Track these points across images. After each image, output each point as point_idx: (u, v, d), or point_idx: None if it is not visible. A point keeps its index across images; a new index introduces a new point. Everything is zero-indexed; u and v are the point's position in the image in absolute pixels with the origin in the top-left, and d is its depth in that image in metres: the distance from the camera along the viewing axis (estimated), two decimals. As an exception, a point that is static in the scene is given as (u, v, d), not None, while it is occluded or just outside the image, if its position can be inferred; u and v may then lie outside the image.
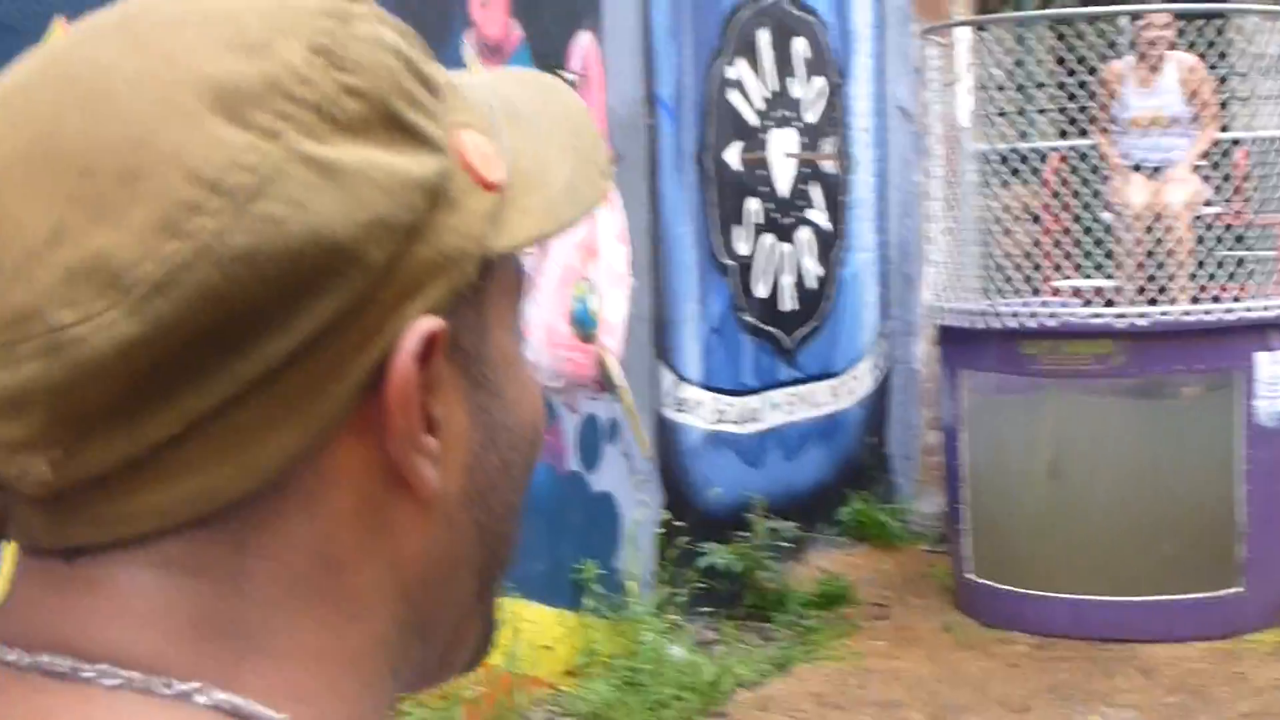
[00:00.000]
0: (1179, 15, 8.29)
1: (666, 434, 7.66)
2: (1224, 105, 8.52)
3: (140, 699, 0.67)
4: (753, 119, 8.37)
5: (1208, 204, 8.21)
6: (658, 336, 7.55)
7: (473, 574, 0.78)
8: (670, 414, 7.68)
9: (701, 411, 7.93)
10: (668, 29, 7.64)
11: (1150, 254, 7.80)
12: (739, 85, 8.24)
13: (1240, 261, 7.87)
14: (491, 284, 0.75)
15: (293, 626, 0.71)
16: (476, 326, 0.75)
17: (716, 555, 7.65)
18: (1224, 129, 8.44)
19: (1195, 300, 7.62)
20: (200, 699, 0.68)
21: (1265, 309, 7.60)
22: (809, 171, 8.91)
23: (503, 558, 0.80)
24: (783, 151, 8.64)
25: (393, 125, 0.70)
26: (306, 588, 0.71)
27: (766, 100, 8.49)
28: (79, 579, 0.70)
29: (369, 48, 0.71)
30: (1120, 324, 7.48)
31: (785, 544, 8.12)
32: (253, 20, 0.69)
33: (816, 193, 8.99)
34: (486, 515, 0.77)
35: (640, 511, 7.30)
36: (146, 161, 0.65)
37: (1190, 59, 8.04)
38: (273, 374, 0.67)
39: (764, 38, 8.52)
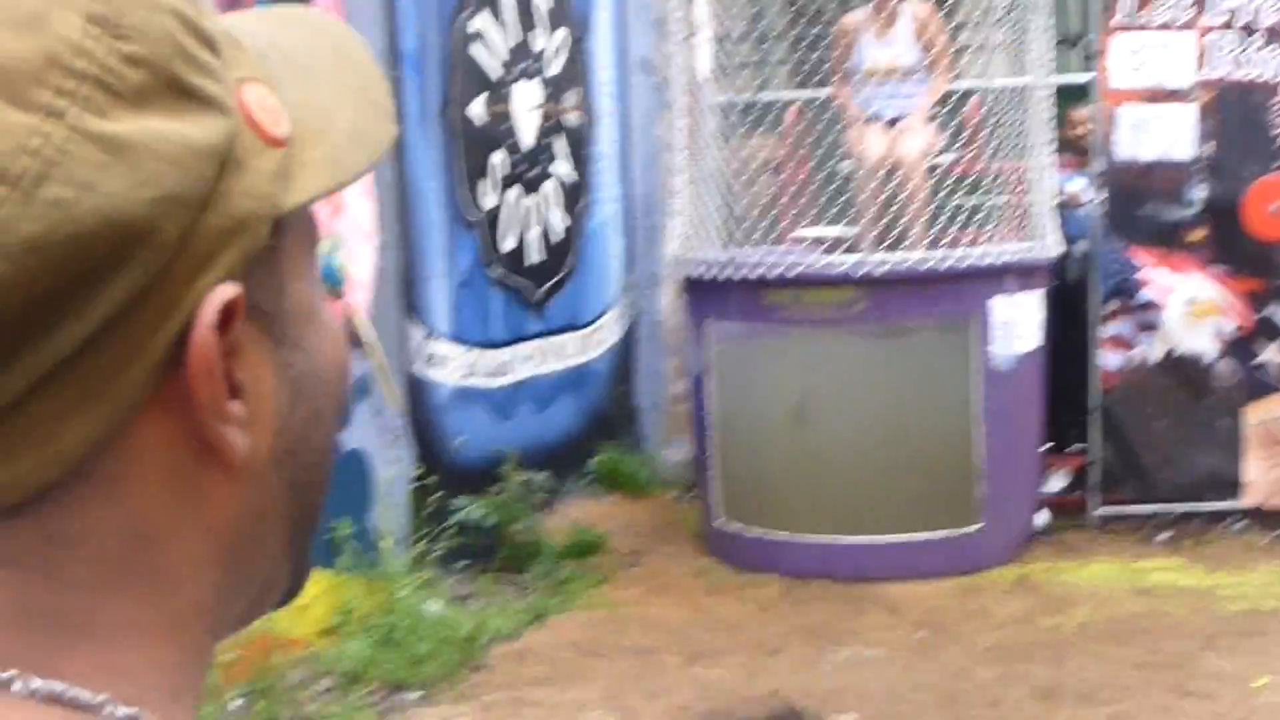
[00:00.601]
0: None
1: (417, 390, 7.63)
2: (957, 55, 8.73)
3: None
4: (496, 72, 8.35)
5: (942, 153, 8.41)
6: (406, 292, 7.51)
7: (282, 524, 0.77)
8: (420, 370, 7.65)
9: (451, 366, 7.91)
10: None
11: (888, 203, 7.98)
12: (482, 38, 8.21)
13: (975, 209, 8.09)
14: (286, 240, 0.74)
15: (111, 607, 0.71)
16: (273, 285, 0.73)
17: (470, 509, 7.65)
18: (956, 79, 8.65)
19: (932, 247, 7.81)
20: (16, 686, 0.68)
21: (999, 255, 7.83)
22: (553, 125, 8.92)
23: (315, 502, 0.80)
24: (525, 104, 8.64)
25: (176, 91, 0.68)
26: (121, 568, 0.71)
27: (509, 53, 8.47)
28: None
29: (146, 11, 0.67)
30: (859, 272, 7.65)
31: (538, 496, 8.16)
32: None
33: (560, 146, 9.01)
34: (298, 468, 0.76)
35: (393, 468, 7.27)
36: None
37: (924, 10, 8.23)
38: (68, 362, 0.66)
39: (505, -10, 8.49)
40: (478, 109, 8.14)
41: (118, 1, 0.67)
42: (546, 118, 8.84)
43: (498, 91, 8.36)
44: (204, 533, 0.73)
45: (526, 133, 8.63)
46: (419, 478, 7.42)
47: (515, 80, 8.53)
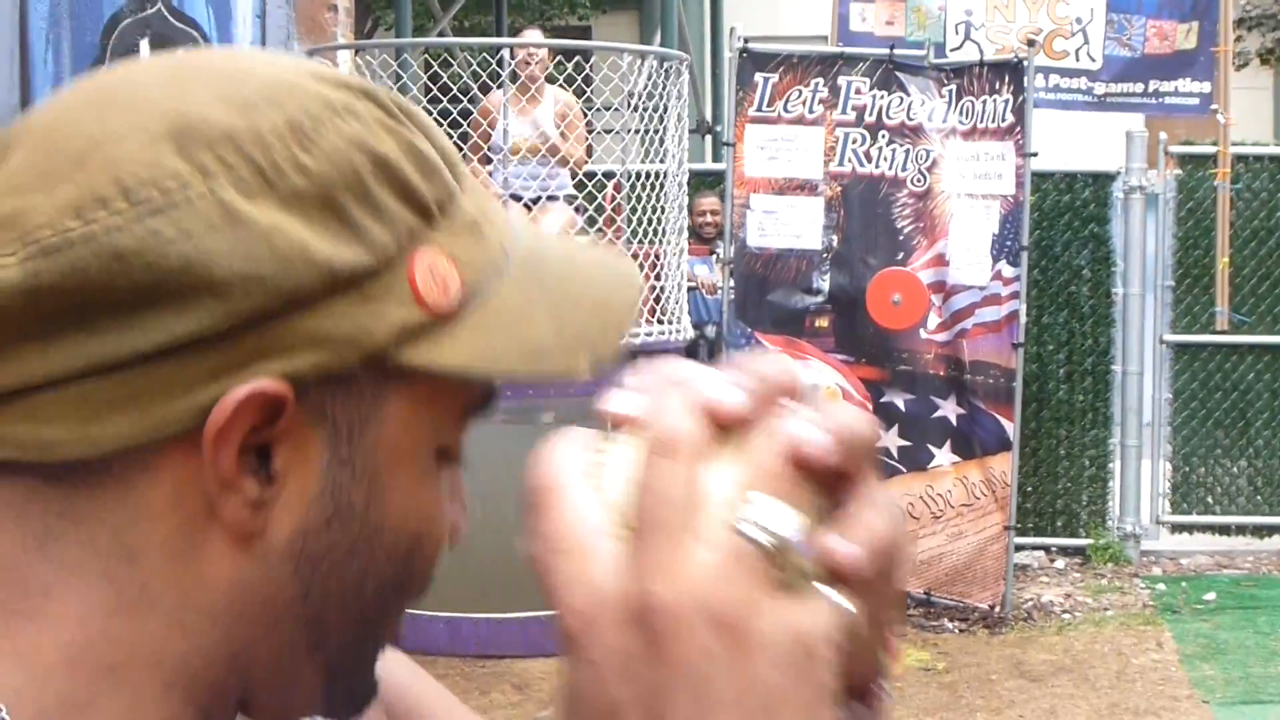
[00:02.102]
0: (555, 50, 8.61)
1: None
2: (589, 137, 8.87)
3: None
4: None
5: (581, 233, 8.52)
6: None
7: (299, 628, 0.81)
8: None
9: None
10: (45, 35, 7.34)
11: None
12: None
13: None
14: (398, 386, 0.79)
15: (72, 599, 0.76)
16: (359, 411, 0.79)
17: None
18: (591, 163, 8.78)
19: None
20: None
21: (632, 335, 7.96)
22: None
23: (343, 633, 0.83)
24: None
25: (330, 210, 0.76)
26: (99, 566, 0.76)
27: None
28: None
29: (344, 142, 0.77)
30: (498, 348, 7.67)
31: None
32: (255, 85, 0.78)
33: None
34: (318, 585, 0.80)
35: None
36: (95, 156, 0.74)
37: (566, 96, 8.34)
38: (123, 363, 0.73)
39: (144, 48, 8.30)
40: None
41: (325, 123, 0.77)
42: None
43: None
44: (190, 581, 0.77)
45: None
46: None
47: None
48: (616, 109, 8.37)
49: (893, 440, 8.86)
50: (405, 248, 0.79)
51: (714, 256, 9.25)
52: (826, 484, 0.66)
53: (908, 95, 8.87)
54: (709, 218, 9.32)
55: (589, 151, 8.55)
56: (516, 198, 8.21)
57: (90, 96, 0.78)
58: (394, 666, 1.00)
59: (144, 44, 8.31)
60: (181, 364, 0.74)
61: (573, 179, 8.63)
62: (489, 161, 8.54)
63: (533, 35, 8.74)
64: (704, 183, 9.70)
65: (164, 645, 0.77)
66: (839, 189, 8.87)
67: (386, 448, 0.81)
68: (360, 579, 0.82)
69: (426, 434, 0.83)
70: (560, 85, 8.52)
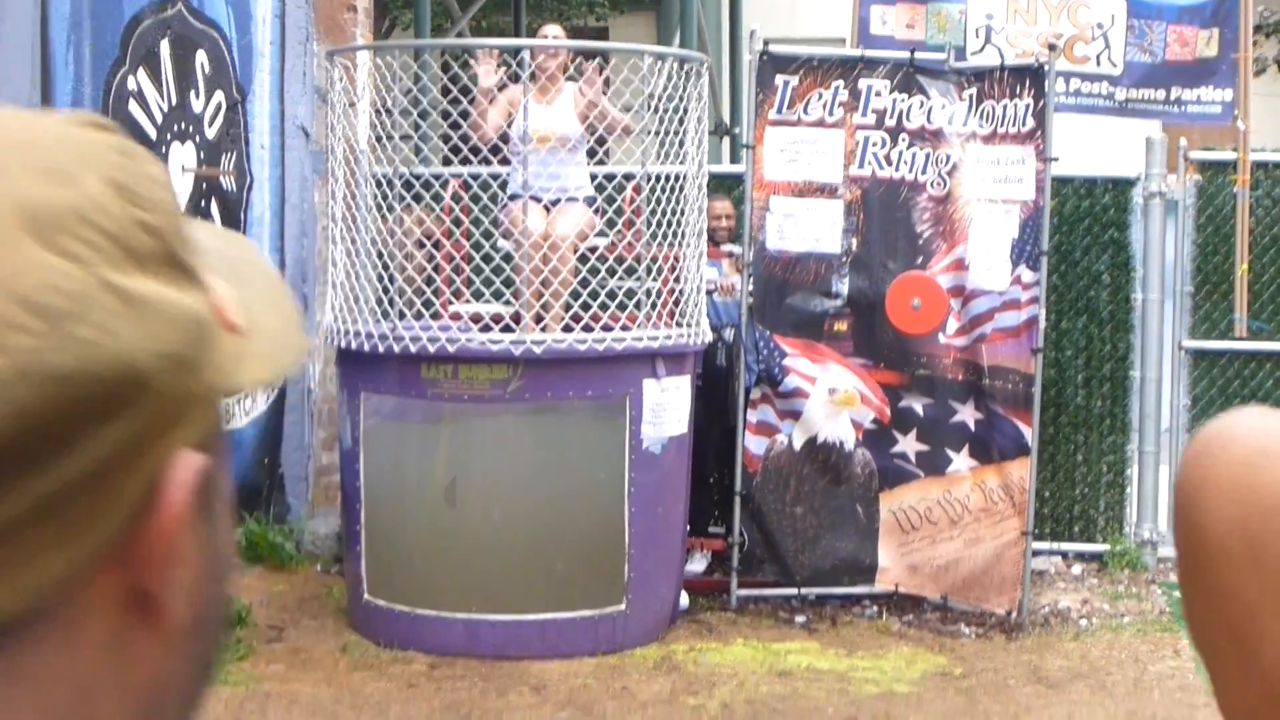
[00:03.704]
0: (575, 52, 8.61)
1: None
2: (617, 140, 8.87)
3: None
4: (151, 132, 8.16)
5: (600, 235, 8.52)
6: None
7: (184, 700, 0.78)
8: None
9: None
10: (66, 36, 7.36)
11: (546, 282, 8.03)
12: (139, 96, 8.02)
13: (630, 292, 8.21)
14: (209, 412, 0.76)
15: None
16: (219, 459, 0.77)
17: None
18: (603, 163, 8.77)
19: (588, 329, 7.89)
20: None
21: (651, 339, 7.96)
22: (208, 188, 8.75)
23: (208, 682, 0.80)
24: (180, 166, 8.46)
25: (173, 262, 0.72)
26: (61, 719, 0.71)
27: (165, 113, 8.29)
28: None
29: (154, 186, 0.74)
30: (517, 350, 7.68)
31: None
32: (59, 151, 0.72)
33: (215, 210, 8.84)
34: (203, 644, 0.78)
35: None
36: None
37: (588, 91, 8.33)
38: (61, 495, 0.67)
39: (165, 49, 8.32)
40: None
41: (133, 173, 0.73)
42: (201, 181, 8.67)
43: (153, 151, 8.14)
44: (125, 693, 0.73)
45: (180, 196, 8.44)
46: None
47: (171, 141, 8.36)
48: (636, 111, 8.35)
49: (911, 445, 8.85)
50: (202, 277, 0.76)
51: (728, 259, 9.23)
52: None
53: (928, 99, 8.86)
54: (724, 222, 9.31)
55: (591, 153, 8.52)
56: (536, 199, 8.20)
57: None
58: None
59: (165, 44, 8.34)
60: (116, 472, 0.69)
61: (597, 179, 8.62)
62: (508, 163, 8.53)
63: (553, 30, 8.72)
64: (721, 185, 9.68)
65: None
66: (859, 192, 8.86)
67: (221, 482, 0.78)
68: (220, 620, 0.80)
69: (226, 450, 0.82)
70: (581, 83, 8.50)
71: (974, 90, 8.82)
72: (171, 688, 0.76)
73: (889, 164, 8.86)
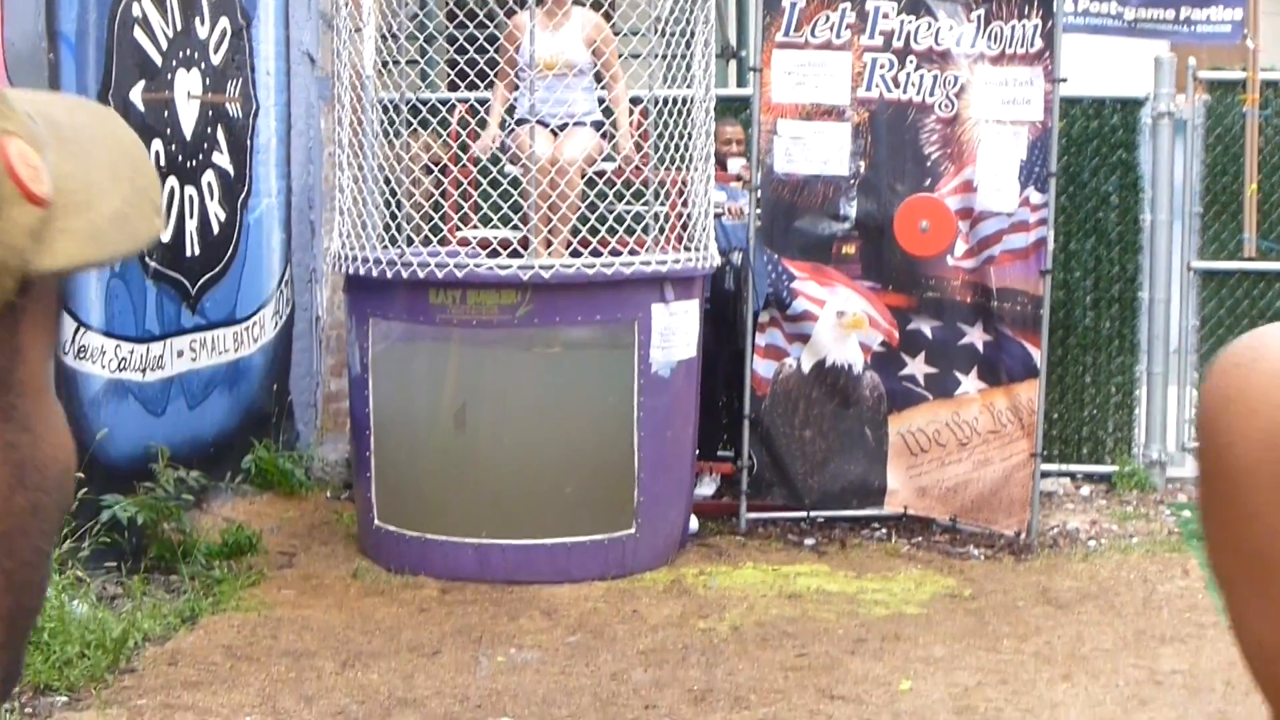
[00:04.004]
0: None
1: (66, 383, 7.36)
2: (623, 64, 8.82)
3: None
4: (157, 59, 8.12)
5: (606, 159, 8.49)
6: (57, 282, 7.23)
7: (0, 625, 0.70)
8: (70, 362, 7.39)
9: (103, 359, 7.66)
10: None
11: (553, 207, 8.02)
12: (144, 23, 7.98)
13: (638, 217, 8.19)
14: (29, 304, 0.69)
15: None
16: (9, 349, 0.68)
17: (119, 507, 7.41)
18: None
19: (597, 254, 7.88)
20: None
21: (659, 263, 7.95)
22: (213, 114, 8.72)
23: (31, 606, 0.73)
24: (186, 92, 8.43)
25: None
26: None
27: (170, 40, 8.25)
28: None
29: None
30: (525, 275, 7.67)
31: (190, 494, 7.97)
32: None
33: (221, 137, 8.81)
34: (13, 561, 0.69)
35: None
36: None
37: (595, 17, 8.29)
38: None
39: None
40: (137, 96, 7.91)
41: None
42: (207, 108, 8.64)
43: (158, 79, 8.14)
44: None
45: (186, 122, 8.42)
46: (66, 474, 7.15)
47: (177, 68, 8.32)
48: (643, 34, 8.31)
49: (919, 367, 8.86)
50: None
51: (738, 182, 9.21)
52: None
53: (936, 20, 8.81)
54: (733, 147, 9.28)
55: (598, 77, 8.49)
56: (544, 124, 8.17)
57: None
58: None
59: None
60: None
61: (604, 103, 8.58)
62: (516, 88, 8.50)
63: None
64: (729, 109, 9.63)
65: None
66: (866, 115, 8.83)
67: (32, 375, 0.71)
68: (45, 539, 0.72)
69: (48, 349, 0.73)
70: (588, 7, 8.46)
71: (982, 11, 8.77)
72: None
73: (897, 86, 8.82)
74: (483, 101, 8.75)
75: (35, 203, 0.67)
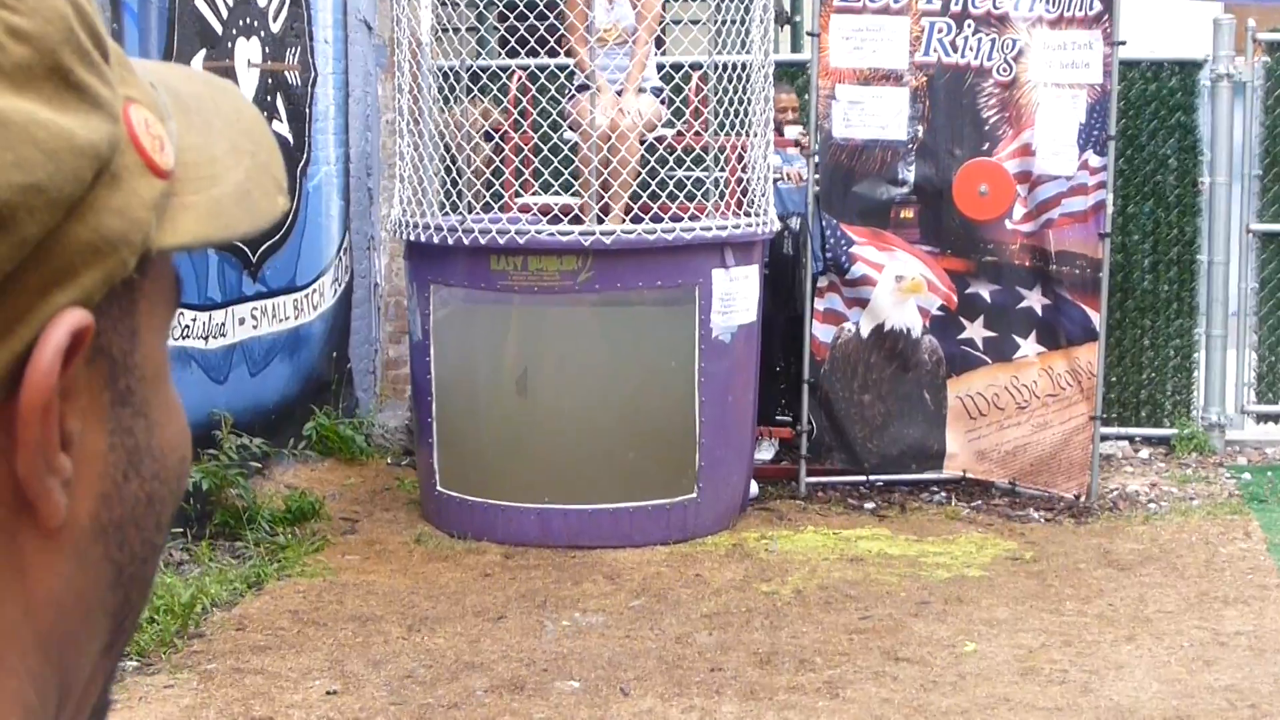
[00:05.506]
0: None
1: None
2: (674, 27, 8.82)
3: None
4: (217, 27, 8.17)
5: (667, 125, 8.49)
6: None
7: (106, 622, 0.67)
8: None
9: (167, 327, 7.70)
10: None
11: (614, 173, 8.03)
12: (205, -8, 8.02)
13: (697, 182, 8.20)
14: (148, 283, 0.66)
15: None
16: (127, 330, 0.65)
17: (185, 474, 7.46)
18: (666, 52, 8.72)
19: (657, 219, 7.89)
20: None
21: (720, 229, 7.95)
22: (273, 83, 8.76)
23: (139, 605, 0.70)
24: (246, 60, 8.47)
25: (60, 80, 0.60)
26: None
27: (230, 8, 8.29)
28: None
29: None
30: (586, 241, 7.69)
31: (253, 461, 8.04)
32: None
33: (280, 104, 8.86)
34: (124, 554, 0.66)
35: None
36: None
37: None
38: None
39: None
40: (198, 64, 7.95)
41: None
42: (266, 75, 8.68)
43: (219, 47, 8.18)
44: (25, 608, 0.62)
45: (246, 90, 8.46)
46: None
47: (237, 36, 8.36)
48: (701, -1, 8.31)
49: (978, 331, 8.84)
50: (119, 102, 0.64)
51: (795, 148, 9.20)
52: None
53: (994, -17, 8.77)
54: (789, 115, 9.27)
55: (658, 42, 8.47)
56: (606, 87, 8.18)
57: None
58: None
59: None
60: None
61: (663, 69, 8.59)
62: (572, 55, 8.50)
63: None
64: (785, 74, 9.62)
65: (21, 700, 0.62)
66: (924, 79, 8.80)
67: (150, 359, 0.67)
68: (159, 531, 0.68)
69: (164, 332, 0.69)
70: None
71: (1041, -27, 8.73)
72: (86, 608, 0.65)
73: (955, 50, 8.79)
74: (543, 68, 8.75)
75: (159, 174, 0.64)
